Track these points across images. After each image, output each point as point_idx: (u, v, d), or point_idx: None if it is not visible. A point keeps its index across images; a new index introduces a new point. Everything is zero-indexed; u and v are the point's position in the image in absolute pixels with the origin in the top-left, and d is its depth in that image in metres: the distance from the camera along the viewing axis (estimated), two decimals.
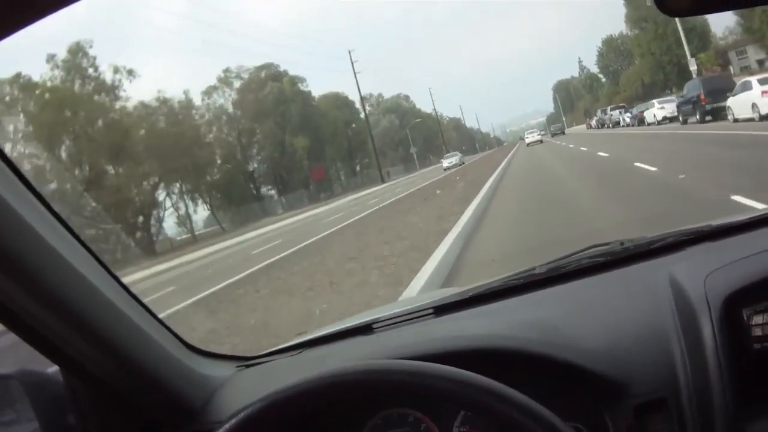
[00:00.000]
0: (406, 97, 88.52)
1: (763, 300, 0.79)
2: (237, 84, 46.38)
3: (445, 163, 39.65)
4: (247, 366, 1.09)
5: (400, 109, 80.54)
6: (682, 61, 38.41)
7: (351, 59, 48.69)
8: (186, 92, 45.90)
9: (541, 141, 41.18)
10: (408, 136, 75.03)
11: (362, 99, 52.90)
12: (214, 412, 0.93)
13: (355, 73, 49.94)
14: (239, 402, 0.78)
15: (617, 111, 31.66)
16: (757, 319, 0.79)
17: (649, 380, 0.80)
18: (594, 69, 70.78)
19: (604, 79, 65.79)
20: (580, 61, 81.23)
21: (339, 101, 56.16)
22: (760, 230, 0.97)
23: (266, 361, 1.09)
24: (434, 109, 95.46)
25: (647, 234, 1.10)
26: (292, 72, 51.35)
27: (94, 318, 0.79)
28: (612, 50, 60.18)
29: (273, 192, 47.69)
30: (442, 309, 1.08)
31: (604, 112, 34.85)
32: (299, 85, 51.12)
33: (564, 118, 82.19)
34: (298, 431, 0.89)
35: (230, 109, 45.98)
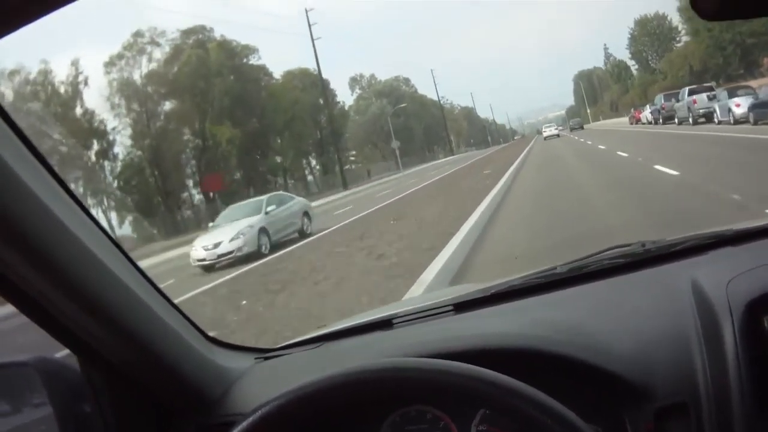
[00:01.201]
0: (406, 81, 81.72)
1: None
2: (156, 53, 37.39)
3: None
4: (266, 358, 1.19)
5: (396, 94, 73.59)
6: (747, 42, 34.55)
7: (308, 20, 39.35)
8: (75, 63, 34.24)
9: (558, 135, 44.70)
10: (407, 125, 67.78)
11: (321, 73, 42.57)
12: (232, 405, 1.02)
13: (312, 40, 39.97)
14: (257, 395, 0.87)
15: (703, 95, 19.05)
16: None
17: (670, 384, 0.87)
18: (622, 55, 67.78)
19: (636, 67, 61.59)
20: (605, 48, 76.63)
21: (306, 79, 46.15)
22: None
23: (285, 354, 1.19)
24: (438, 95, 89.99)
25: (668, 236, 1.20)
26: (244, 41, 42.57)
27: (113, 305, 0.87)
28: (646, 32, 55.97)
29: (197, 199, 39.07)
30: (462, 306, 1.17)
31: (674, 97, 22.36)
32: (246, 57, 41.91)
33: (588, 110, 79.28)
34: (316, 427, 0.96)
35: (142, 88, 36.24)
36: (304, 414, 0.79)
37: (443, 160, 63.47)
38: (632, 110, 36.60)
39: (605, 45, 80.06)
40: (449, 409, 1.01)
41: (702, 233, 1.17)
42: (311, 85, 48.10)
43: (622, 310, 1.02)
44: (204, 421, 1.02)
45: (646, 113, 29.64)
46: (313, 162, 51.65)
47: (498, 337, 1.00)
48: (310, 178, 50.98)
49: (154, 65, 37.10)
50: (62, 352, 0.99)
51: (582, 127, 53.79)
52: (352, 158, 64.80)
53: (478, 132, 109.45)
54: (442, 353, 0.92)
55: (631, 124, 34.80)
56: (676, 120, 21.74)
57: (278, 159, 45.62)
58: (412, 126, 73.47)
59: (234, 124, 39.23)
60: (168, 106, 37.69)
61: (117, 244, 0.92)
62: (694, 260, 1.09)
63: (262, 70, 46.07)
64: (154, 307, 0.94)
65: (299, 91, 47.10)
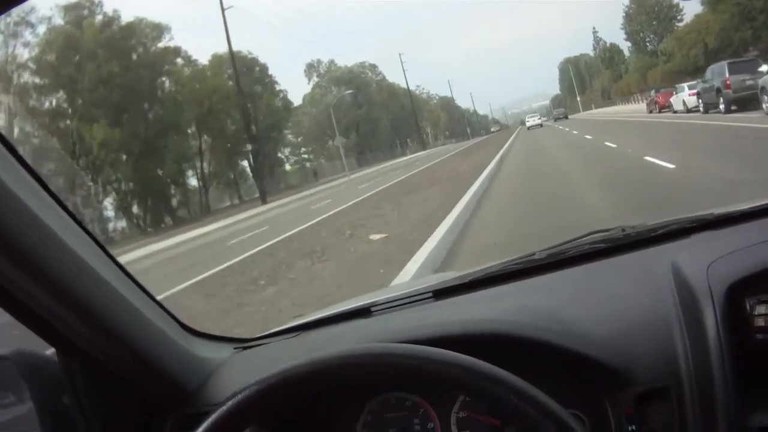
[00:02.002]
0: (372, 67, 78.42)
1: (766, 290, 0.94)
2: (29, 35, 32.64)
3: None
4: (245, 348, 1.31)
5: (358, 81, 69.98)
6: None
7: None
8: None
9: (541, 125, 52.42)
10: (371, 116, 66.53)
11: (232, 52, 37.55)
12: (211, 394, 1.13)
13: (223, 10, 35.71)
14: (236, 384, 0.94)
15: None
16: (760, 309, 0.94)
17: (651, 369, 0.96)
18: (614, 39, 70.21)
19: (632, 49, 60.29)
20: (595, 32, 77.11)
21: (239, 64, 40.93)
22: (762, 220, 1.16)
23: (263, 344, 1.31)
24: (407, 81, 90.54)
25: (649, 221, 1.31)
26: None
27: (90, 299, 0.96)
28: (644, 10, 54.10)
29: None
30: (440, 293, 1.29)
31: (747, 69, 15.21)
32: (148, 38, 37.15)
33: (578, 99, 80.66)
34: (295, 413, 1.09)
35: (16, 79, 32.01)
36: (279, 402, 0.87)
37: (411, 156, 60.75)
38: (653, 93, 29.72)
39: (594, 29, 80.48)
40: (428, 396, 1.11)
41: (683, 218, 1.27)
42: (245, 71, 43.26)
43: (601, 295, 1.12)
44: (183, 412, 1.12)
45: (683, 96, 22.15)
46: (249, 164, 46.75)
47: (477, 323, 1.10)
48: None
49: (24, 51, 32.49)
50: (46, 350, 1.08)
51: (566, 117, 60.25)
52: (305, 156, 63.23)
53: (458, 123, 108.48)
54: (421, 339, 1.01)
55: (651, 112, 28.37)
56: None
57: (186, 163, 40.55)
58: (377, 117, 71.30)
59: (114, 121, 33.44)
60: (34, 100, 32.61)
61: (94, 239, 1.01)
62: (674, 244, 1.19)
63: (174, 53, 40.28)
64: (132, 300, 1.04)
65: (222, 79, 42.42)
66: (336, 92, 65.88)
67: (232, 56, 39.53)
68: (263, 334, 1.36)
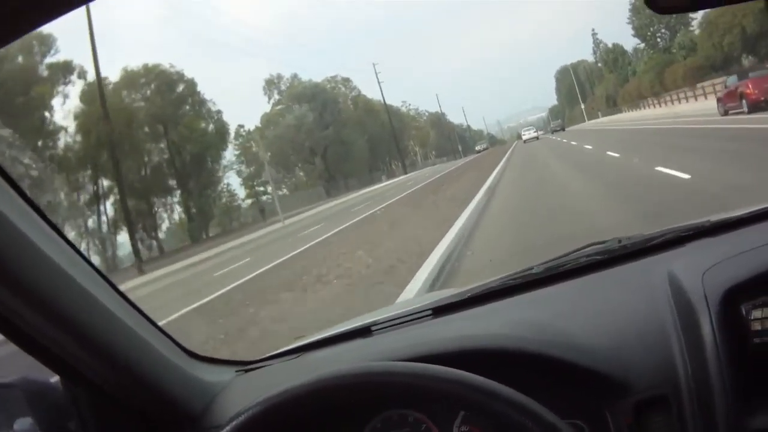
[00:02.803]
0: (345, 81, 74.03)
1: (761, 294, 1.04)
2: None
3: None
4: (246, 371, 1.44)
5: (325, 97, 66.36)
6: None
7: None
8: None
9: (537, 138, 57.57)
10: (342, 137, 62.01)
11: (97, 61, 32.89)
12: (214, 418, 1.25)
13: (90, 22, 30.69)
14: (239, 406, 1.02)
15: None
16: (756, 314, 1.04)
17: (649, 377, 1.06)
18: (616, 40, 65.64)
19: (639, 47, 59.32)
20: (594, 34, 74.63)
21: (160, 80, 39.27)
22: (758, 225, 1.28)
23: (265, 366, 1.44)
24: (383, 95, 79.77)
25: (645, 232, 1.43)
26: None
27: (92, 326, 1.06)
28: None
29: None
30: (440, 310, 1.42)
31: None
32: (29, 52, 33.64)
33: (582, 107, 78.35)
34: None
35: None
36: (281, 422, 0.97)
37: (389, 182, 55.49)
38: (730, 82, 20.54)
39: (593, 30, 75.33)
40: (430, 412, 1.21)
41: (679, 226, 1.39)
42: (164, 89, 40.30)
43: (598, 306, 1.24)
44: None
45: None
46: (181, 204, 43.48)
47: (476, 339, 1.21)
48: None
49: None
50: (51, 377, 1.21)
51: (563, 129, 63.85)
52: (261, 189, 56.36)
53: (448, 140, 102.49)
54: (421, 357, 1.12)
55: (727, 113, 20.35)
56: None
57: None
58: (350, 138, 66.22)
59: None
60: None
61: (95, 268, 1.12)
62: (670, 253, 1.31)
63: (64, 69, 36.19)
64: (135, 327, 1.15)
65: (129, 100, 38.98)
66: (293, 114, 62.85)
67: (98, 72, 34.55)
68: (265, 356, 1.50)
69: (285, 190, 61.74)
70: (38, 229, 1.01)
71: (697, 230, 1.38)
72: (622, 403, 1.08)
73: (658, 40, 56.20)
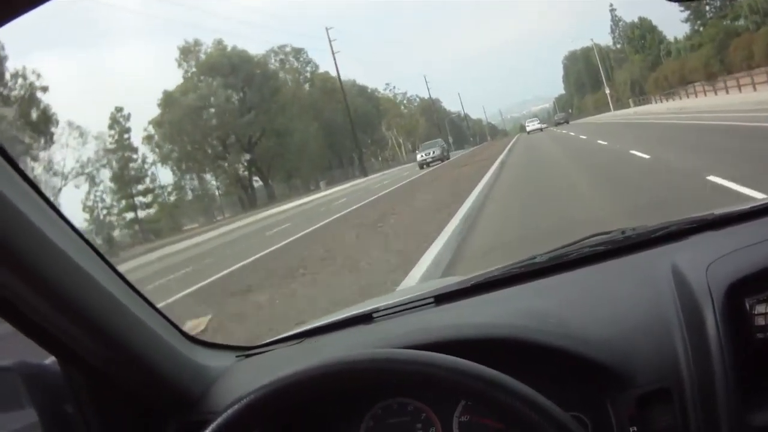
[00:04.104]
0: (298, 53, 67.58)
1: (766, 289, 1.20)
2: None
3: None
4: (247, 356, 1.63)
5: (250, 70, 58.42)
6: None
7: None
8: None
9: (541, 130, 65.93)
10: (276, 126, 52.83)
11: None
12: (213, 402, 1.43)
13: None
14: (238, 392, 1.19)
15: None
16: (760, 309, 1.21)
17: (652, 370, 1.22)
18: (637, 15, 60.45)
19: (683, 19, 55.09)
20: (612, 9, 75.83)
21: None
22: (762, 219, 1.46)
23: (265, 351, 1.64)
24: (337, 68, 65.61)
25: (649, 223, 1.61)
26: None
27: (91, 308, 1.21)
28: None
29: None
30: (442, 298, 1.62)
31: None
32: None
33: (608, 92, 71.98)
34: (297, 421, 1.36)
35: None
36: (283, 407, 1.10)
37: (328, 192, 46.47)
38: None
39: (611, 5, 72.38)
40: (430, 401, 1.37)
41: (682, 219, 1.57)
42: None
43: (602, 297, 1.41)
44: (185, 420, 1.42)
45: None
46: None
47: (478, 327, 1.38)
48: None
49: None
50: (48, 359, 1.38)
51: (567, 122, 68.89)
52: (145, 200, 49.33)
53: (445, 131, 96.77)
54: (422, 345, 1.27)
55: None
56: None
57: None
58: (289, 128, 58.15)
59: None
60: None
61: (94, 248, 1.26)
62: (674, 246, 1.49)
63: None
64: (134, 309, 1.31)
65: None
66: (206, 88, 54.94)
67: None
68: (265, 342, 1.68)
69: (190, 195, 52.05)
70: (36, 208, 1.15)
71: (701, 223, 1.56)
72: (624, 395, 1.24)
73: (707, 7, 49.37)
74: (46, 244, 1.15)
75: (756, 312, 1.24)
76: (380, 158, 77.16)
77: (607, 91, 74.40)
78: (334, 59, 69.69)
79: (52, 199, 1.24)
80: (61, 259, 1.18)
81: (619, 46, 74.28)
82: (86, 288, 1.26)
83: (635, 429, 1.25)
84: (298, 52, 67.83)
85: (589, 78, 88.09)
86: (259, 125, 56.23)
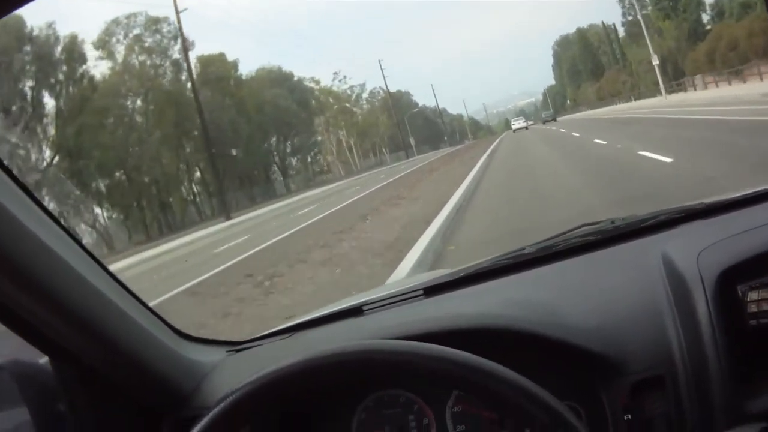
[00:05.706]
0: (154, 23, 50.59)
1: (757, 276, 1.21)
2: None
3: None
4: (237, 351, 1.65)
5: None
6: None
7: None
8: None
9: (526, 128, 68.39)
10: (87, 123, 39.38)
11: None
12: (204, 398, 1.44)
13: None
14: (229, 387, 1.20)
15: None
16: (752, 296, 1.22)
17: (645, 358, 1.23)
18: None
19: None
20: None
21: None
22: (753, 207, 1.47)
23: (256, 346, 1.65)
24: (181, 33, 50.39)
25: (638, 213, 1.62)
26: None
27: (82, 307, 1.22)
28: None
29: None
30: (432, 290, 1.63)
31: None
32: None
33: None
34: (289, 413, 1.38)
35: None
36: (272, 401, 1.12)
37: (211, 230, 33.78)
38: None
39: None
40: (422, 392, 1.39)
41: (672, 208, 1.58)
42: None
43: (592, 286, 1.42)
44: (178, 416, 1.43)
45: None
46: None
47: (468, 317, 1.39)
48: None
49: None
50: (41, 358, 1.38)
51: (555, 119, 70.99)
52: None
53: (421, 129, 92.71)
54: (412, 335, 1.28)
55: None
56: None
57: None
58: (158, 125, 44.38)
59: None
60: None
61: (83, 246, 1.26)
62: (664, 234, 1.50)
63: None
64: (123, 307, 1.32)
65: None
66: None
67: None
68: (255, 336, 1.70)
69: None
70: (24, 208, 1.17)
71: (690, 212, 1.58)
72: (618, 383, 1.25)
73: None
74: (35, 243, 1.17)
75: (748, 299, 1.26)
76: (311, 170, 64.19)
77: (592, 97, 62.99)
78: (179, 21, 54.19)
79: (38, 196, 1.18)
80: (50, 258, 1.20)
81: (630, 17, 61.48)
82: (75, 286, 1.28)
83: (629, 417, 1.26)
84: (154, 22, 49.38)
85: (586, 64, 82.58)
86: (90, 126, 43.31)
